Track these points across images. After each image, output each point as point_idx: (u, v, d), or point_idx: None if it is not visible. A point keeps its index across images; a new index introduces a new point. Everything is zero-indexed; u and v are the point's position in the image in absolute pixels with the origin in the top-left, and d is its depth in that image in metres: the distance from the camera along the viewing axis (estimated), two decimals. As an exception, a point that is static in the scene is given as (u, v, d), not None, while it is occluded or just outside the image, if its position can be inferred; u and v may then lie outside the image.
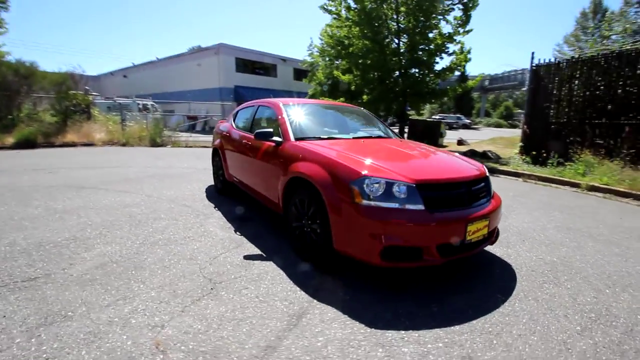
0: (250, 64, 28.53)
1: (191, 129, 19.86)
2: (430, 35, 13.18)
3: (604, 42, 41.04)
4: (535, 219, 4.24)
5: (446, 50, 13.40)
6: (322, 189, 2.43)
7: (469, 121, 39.76)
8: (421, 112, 16.45)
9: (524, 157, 8.63)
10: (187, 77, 27.92)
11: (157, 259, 2.81)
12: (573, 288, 2.48)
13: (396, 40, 12.68)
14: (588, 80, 7.78)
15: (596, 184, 5.94)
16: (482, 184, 2.60)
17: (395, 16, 12.86)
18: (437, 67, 13.66)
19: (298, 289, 2.37)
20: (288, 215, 2.99)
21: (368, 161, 2.50)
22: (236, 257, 2.88)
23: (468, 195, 2.42)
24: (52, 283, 2.37)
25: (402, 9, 12.69)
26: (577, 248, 3.27)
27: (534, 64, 8.95)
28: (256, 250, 3.03)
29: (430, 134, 14.76)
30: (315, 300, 2.21)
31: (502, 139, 20.16)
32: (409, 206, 2.20)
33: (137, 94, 24.46)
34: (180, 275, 2.53)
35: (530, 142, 8.85)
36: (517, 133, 31.26)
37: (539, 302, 2.27)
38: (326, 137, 3.28)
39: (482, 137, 22.27)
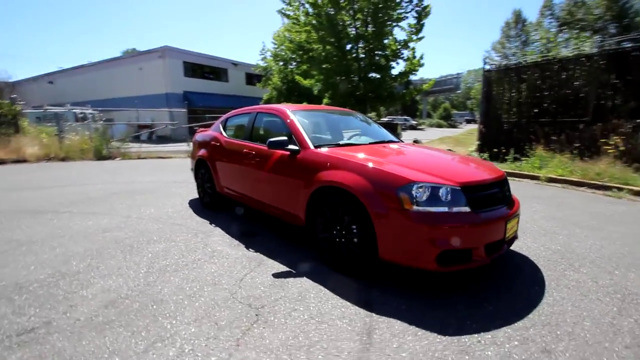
0: (200, 69, 27.22)
1: (135, 139, 18.28)
2: (386, 41, 13.76)
3: (524, 48, 46.33)
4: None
5: (401, 56, 14.09)
6: (364, 198, 2.35)
7: (415, 122, 42.21)
8: (380, 115, 17.08)
9: (481, 154, 9.37)
10: (127, 83, 25.72)
11: (175, 288, 2.49)
12: (589, 273, 2.71)
13: (355, 46, 13.01)
14: (533, 83, 8.71)
15: (553, 176, 6.65)
16: (507, 183, 2.74)
17: (352, 22, 13.20)
18: (394, 72, 14.30)
19: (349, 304, 2.25)
20: (314, 227, 2.85)
21: (407, 167, 2.48)
22: (264, 276, 2.67)
23: (501, 195, 2.52)
24: (59, 333, 1.97)
25: (359, 15, 13.08)
26: (571, 235, 3.60)
27: (485, 69, 9.79)
28: (281, 267, 2.84)
29: (390, 136, 15.36)
30: (373, 314, 2.13)
31: (449, 138, 21.72)
32: (456, 209, 2.22)
33: (68, 101, 21.87)
34: (213, 304, 2.27)
35: (487, 140, 9.64)
36: (458, 132, 34.08)
37: (571, 289, 2.44)
38: (343, 143, 3.20)
39: (431, 137, 23.75)
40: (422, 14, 13.64)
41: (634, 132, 6.68)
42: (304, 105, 4.06)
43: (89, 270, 2.77)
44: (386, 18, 13.07)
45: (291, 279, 2.61)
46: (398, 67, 14.43)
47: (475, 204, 2.30)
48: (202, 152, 4.67)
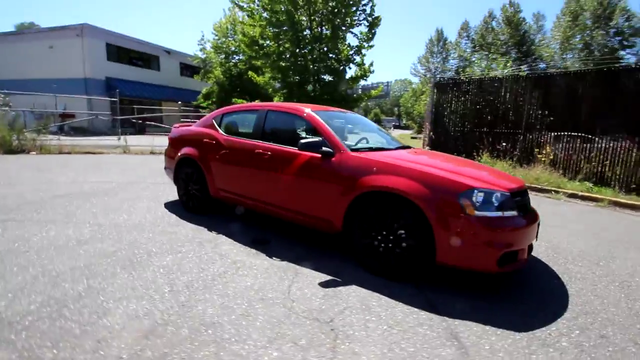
0: (126, 54, 24.24)
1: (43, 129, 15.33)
2: (340, 46, 14.08)
3: (445, 64, 51.63)
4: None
5: (354, 61, 14.57)
6: (423, 203, 2.38)
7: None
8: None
9: (432, 158, 10.22)
10: (33, 63, 21.61)
11: (219, 307, 2.18)
12: (584, 265, 3.16)
13: (313, 47, 13.03)
14: (477, 98, 9.82)
15: (500, 179, 7.58)
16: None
17: (308, 22, 13.19)
18: (347, 77, 14.72)
19: (416, 309, 2.25)
20: (353, 232, 2.78)
21: (457, 173, 2.58)
22: (310, 287, 2.51)
23: (529, 201, 2.79)
24: (104, 377, 1.57)
25: (315, 17, 13.13)
26: (547, 233, 4.09)
27: (435, 82, 10.71)
28: (322, 275, 2.69)
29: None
30: (447, 318, 2.16)
31: (403, 136, 23.12)
32: (508, 213, 2.39)
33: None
34: (277, 322, 2.05)
35: (436, 146, 10.55)
36: (406, 133, 36.54)
37: (582, 281, 2.80)
38: (375, 147, 3.17)
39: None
40: (373, 23, 14.34)
41: (556, 142, 8.01)
42: (318, 105, 3.90)
43: (93, 294, 2.26)
44: (340, 22, 13.38)
45: (342, 288, 2.50)
46: (349, 72, 14.91)
47: (518, 208, 2.50)
48: (187, 150, 4.17)
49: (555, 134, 8.07)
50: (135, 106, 19.30)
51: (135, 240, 3.26)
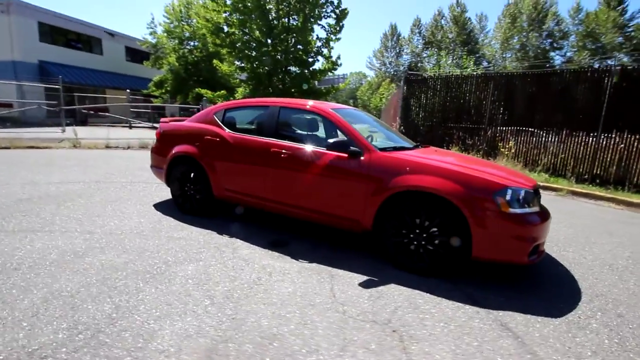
0: (63, 35, 21.53)
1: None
2: (309, 38, 13.92)
3: (398, 59, 53.47)
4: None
5: (322, 53, 14.51)
6: (460, 202, 2.47)
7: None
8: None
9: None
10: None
11: (273, 317, 2.09)
12: (575, 251, 3.53)
13: (283, 37, 12.70)
14: (442, 93, 10.36)
15: (470, 171, 8.14)
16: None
17: (277, 13, 12.81)
18: (315, 69, 14.61)
19: (460, 304, 2.35)
20: (385, 231, 2.81)
21: (487, 172, 2.71)
22: (352, 288, 2.49)
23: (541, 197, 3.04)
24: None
25: (283, 7, 12.79)
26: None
27: (405, 78, 11.08)
28: (358, 276, 2.68)
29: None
30: (490, 310, 2.28)
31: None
32: (533, 209, 2.59)
33: None
34: (338, 329, 2.01)
35: (407, 139, 10.98)
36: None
37: (580, 266, 3.13)
38: (399, 147, 3.21)
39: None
40: (341, 15, 14.36)
41: (515, 137, 8.79)
42: (333, 104, 3.81)
43: (127, 314, 2.03)
44: (310, 13, 13.20)
45: (382, 288, 2.53)
46: (317, 65, 14.82)
47: (539, 204, 2.72)
48: (184, 148, 3.86)
49: (514, 129, 8.86)
50: (75, 94, 17.27)
51: (142, 249, 2.97)
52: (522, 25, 38.93)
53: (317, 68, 14.61)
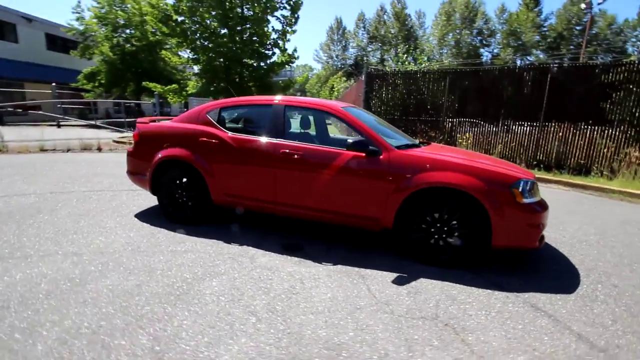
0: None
1: None
2: (265, 29, 13.51)
3: (344, 52, 54.33)
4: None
5: (279, 46, 14.19)
6: (480, 195, 2.62)
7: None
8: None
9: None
10: None
11: (327, 326, 2.03)
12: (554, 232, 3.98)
13: (240, 28, 12.11)
14: (402, 88, 10.82)
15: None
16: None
17: (230, 2, 12.17)
18: (271, 62, 14.25)
19: (489, 290, 2.50)
20: (407, 227, 2.88)
21: (498, 165, 2.90)
22: (387, 287, 2.52)
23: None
24: None
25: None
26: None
27: (368, 72, 11.33)
28: (387, 274, 2.71)
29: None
30: (517, 293, 2.47)
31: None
32: (538, 198, 2.84)
33: None
34: (394, 330, 2.03)
35: (370, 132, 11.29)
36: None
37: (564, 244, 3.55)
38: (410, 144, 3.26)
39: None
40: (295, 6, 14.13)
41: (470, 128, 9.56)
42: (340, 102, 3.72)
43: (171, 345, 1.82)
44: (266, 3, 12.77)
45: (414, 283, 2.59)
46: (274, 58, 14.47)
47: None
48: (174, 151, 3.52)
49: (469, 120, 9.62)
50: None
51: (149, 267, 2.67)
52: (455, 23, 42.09)
53: (274, 61, 14.26)
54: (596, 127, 7.84)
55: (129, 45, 19.92)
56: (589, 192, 6.37)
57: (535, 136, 8.53)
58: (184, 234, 3.37)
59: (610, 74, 7.76)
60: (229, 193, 3.43)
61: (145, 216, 3.89)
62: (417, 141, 3.64)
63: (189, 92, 12.83)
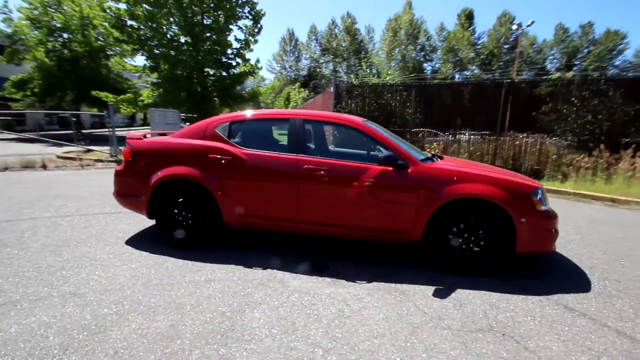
0: None
1: None
2: (227, 38, 13.19)
3: (297, 63, 54.78)
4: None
5: (242, 55, 13.93)
6: (506, 204, 2.76)
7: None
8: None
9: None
10: None
11: (398, 350, 1.96)
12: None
13: (203, 36, 11.61)
14: (370, 100, 11.20)
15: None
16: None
17: (192, 10, 11.68)
18: (235, 72, 13.90)
19: (525, 295, 2.63)
20: (435, 239, 2.93)
21: (515, 177, 3.09)
22: (432, 301, 2.52)
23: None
24: None
25: (197, 2, 11.75)
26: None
27: (335, 84, 11.53)
28: (424, 287, 2.71)
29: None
30: (548, 296, 2.63)
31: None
32: (549, 206, 3.08)
33: None
34: (460, 345, 2.03)
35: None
36: None
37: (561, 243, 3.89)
38: (429, 157, 3.33)
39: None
40: (257, 17, 14.01)
41: (436, 138, 10.18)
42: (357, 117, 3.65)
43: (244, 392, 1.61)
44: (229, 12, 12.47)
45: (454, 295, 2.63)
46: (237, 68, 14.13)
47: (546, 201, 3.26)
48: (178, 169, 3.21)
49: (435, 131, 10.24)
50: None
51: (175, 303, 2.37)
52: (401, 39, 44.92)
53: (238, 71, 13.91)
54: (544, 137, 8.85)
55: (67, 50, 18.04)
56: (548, 195, 7.09)
57: (493, 145, 9.36)
58: (194, 261, 3.06)
59: (552, 89, 8.85)
60: (243, 213, 3.21)
61: (138, 243, 3.48)
62: (429, 154, 3.76)
63: (146, 102, 11.92)
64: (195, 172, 3.19)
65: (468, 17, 43.90)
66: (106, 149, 10.27)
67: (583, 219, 5.14)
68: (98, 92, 11.78)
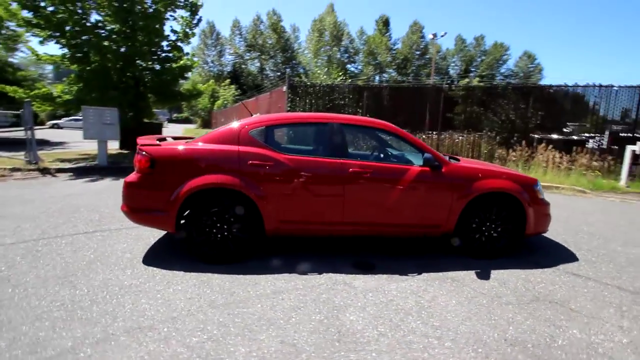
0: None
1: None
2: (164, 29, 12.02)
3: (221, 59, 52.35)
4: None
5: (179, 48, 12.87)
6: (520, 195, 3.30)
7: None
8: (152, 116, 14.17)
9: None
10: None
11: (495, 330, 2.26)
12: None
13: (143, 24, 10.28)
14: (323, 100, 11.50)
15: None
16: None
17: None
18: (178, 67, 12.75)
19: (548, 269, 3.19)
20: (466, 230, 3.33)
21: (511, 170, 3.66)
22: (479, 283, 2.88)
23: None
24: None
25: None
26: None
27: (290, 84, 11.51)
28: (466, 273, 3.06)
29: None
30: (567, 268, 3.24)
31: (190, 131, 22.33)
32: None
33: None
34: (531, 312, 2.43)
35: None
36: (190, 127, 33.93)
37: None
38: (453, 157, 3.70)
39: (177, 132, 22.73)
40: (194, 8, 13.05)
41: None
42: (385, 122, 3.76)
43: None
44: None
45: (493, 275, 3.03)
46: (177, 62, 12.96)
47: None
48: (214, 178, 2.97)
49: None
50: None
51: (264, 319, 2.26)
52: (326, 39, 46.46)
53: (177, 65, 12.75)
54: (476, 134, 10.37)
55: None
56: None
57: (435, 143, 10.57)
58: (242, 275, 2.89)
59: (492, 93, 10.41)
60: (287, 219, 3.14)
61: (158, 261, 3.12)
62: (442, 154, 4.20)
63: (64, 98, 10.10)
64: (235, 180, 2.99)
65: (385, 24, 47.69)
66: (21, 154, 8.44)
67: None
68: (3, 86, 9.31)
